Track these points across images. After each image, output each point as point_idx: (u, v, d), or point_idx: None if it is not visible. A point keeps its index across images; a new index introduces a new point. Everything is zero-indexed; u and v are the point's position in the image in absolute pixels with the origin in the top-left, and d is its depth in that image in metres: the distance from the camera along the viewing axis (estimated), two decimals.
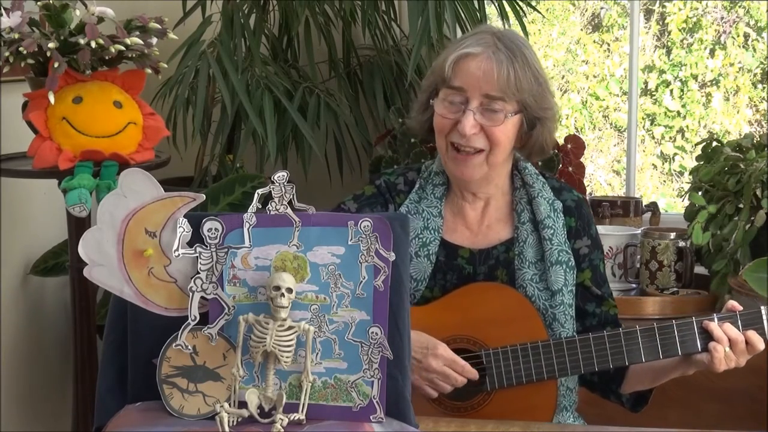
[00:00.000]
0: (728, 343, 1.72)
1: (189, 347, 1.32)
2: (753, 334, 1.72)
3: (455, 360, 1.74)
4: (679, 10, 4.00)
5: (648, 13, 4.01)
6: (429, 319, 1.78)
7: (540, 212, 1.87)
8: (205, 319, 1.33)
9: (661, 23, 4.06)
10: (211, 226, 1.33)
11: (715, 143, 2.63)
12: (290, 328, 1.30)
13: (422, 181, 1.93)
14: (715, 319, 1.74)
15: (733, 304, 1.77)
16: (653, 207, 2.98)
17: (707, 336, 1.73)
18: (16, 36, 2.06)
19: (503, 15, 2.77)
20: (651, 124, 4.13)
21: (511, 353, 1.76)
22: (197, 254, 1.33)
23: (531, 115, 1.84)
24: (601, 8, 4.19)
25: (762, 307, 1.75)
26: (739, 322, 1.73)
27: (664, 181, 4.20)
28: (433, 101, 1.86)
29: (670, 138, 4.12)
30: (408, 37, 2.91)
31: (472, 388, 1.78)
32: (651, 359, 1.76)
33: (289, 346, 1.30)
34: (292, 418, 1.28)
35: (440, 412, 1.78)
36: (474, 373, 1.75)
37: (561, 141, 2.87)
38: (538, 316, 1.82)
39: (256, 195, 1.32)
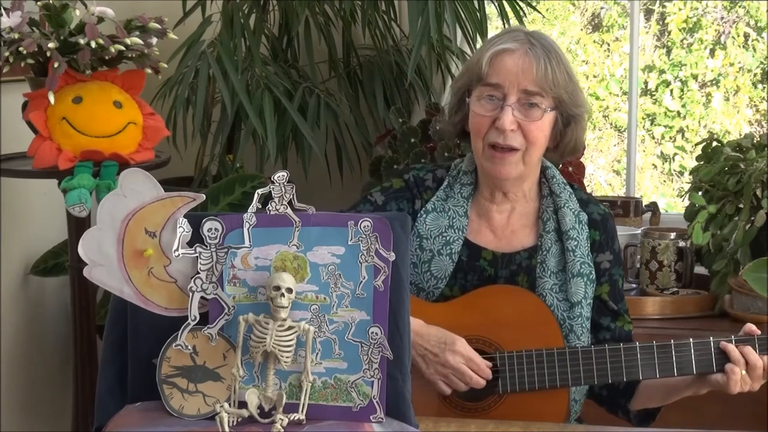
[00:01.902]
0: (745, 366, 1.70)
1: (189, 347, 1.32)
2: None
3: (472, 358, 1.74)
4: (679, 10, 4.00)
5: (648, 13, 4.01)
6: (446, 317, 1.78)
7: (565, 223, 1.86)
8: (205, 319, 1.33)
9: (661, 23, 4.06)
10: (211, 226, 1.33)
11: (715, 143, 2.63)
12: (290, 328, 1.30)
13: (450, 179, 1.92)
14: (733, 341, 1.73)
15: (751, 327, 1.75)
16: (653, 207, 2.98)
17: (723, 356, 1.72)
18: (16, 36, 2.06)
19: (503, 15, 2.77)
20: (651, 124, 4.13)
21: (525, 358, 1.76)
22: (197, 254, 1.33)
23: (566, 112, 1.84)
24: (601, 8, 4.19)
25: None
26: (757, 346, 1.72)
27: (664, 181, 4.19)
28: (468, 99, 1.85)
29: (670, 138, 4.12)
30: (408, 37, 2.91)
31: (485, 389, 1.77)
32: (665, 375, 1.75)
33: (289, 346, 1.30)
34: (292, 418, 1.28)
35: (451, 412, 1.77)
36: (488, 373, 1.75)
37: None
38: (556, 323, 1.80)
39: (256, 195, 1.32)
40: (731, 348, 1.71)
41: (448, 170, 1.94)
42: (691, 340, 1.74)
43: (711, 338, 1.74)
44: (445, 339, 1.73)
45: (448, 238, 1.85)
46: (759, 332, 1.75)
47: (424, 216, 1.87)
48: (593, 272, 1.86)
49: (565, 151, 1.90)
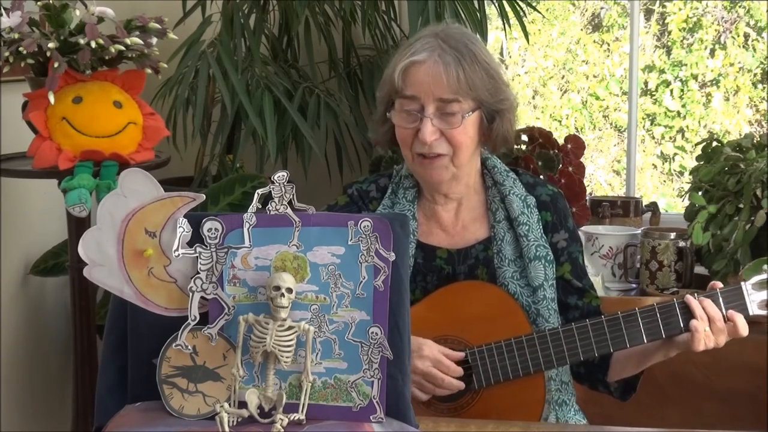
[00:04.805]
0: (708, 322, 1.71)
1: (189, 347, 1.32)
2: (739, 318, 1.71)
3: (440, 360, 1.74)
4: (679, 10, 4.00)
5: (648, 13, 4.01)
6: (412, 322, 1.77)
7: (513, 209, 1.88)
8: (205, 319, 1.33)
9: (661, 23, 4.06)
10: (211, 226, 1.33)
11: (715, 143, 2.63)
12: (290, 328, 1.30)
13: (393, 186, 1.95)
14: (696, 297, 1.73)
15: (714, 283, 1.77)
16: (653, 207, 2.98)
17: (688, 316, 1.72)
18: (16, 36, 2.06)
19: (503, 15, 2.77)
20: (651, 124, 4.13)
21: (495, 350, 1.77)
22: (197, 254, 1.33)
23: (489, 109, 1.84)
24: (601, 8, 4.19)
25: (742, 283, 1.74)
26: (720, 299, 1.73)
27: (664, 181, 4.20)
28: (389, 114, 1.86)
29: (670, 138, 4.12)
30: (408, 37, 2.91)
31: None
32: (635, 344, 1.75)
33: (289, 346, 1.30)
34: (292, 418, 1.28)
35: (430, 414, 1.77)
36: (458, 371, 1.75)
37: (561, 141, 2.86)
38: (521, 311, 1.82)
39: (256, 195, 1.32)
40: (693, 304, 1.71)
41: (390, 178, 1.97)
42: (655, 304, 1.75)
43: (674, 299, 1.74)
44: (411, 345, 1.73)
45: None
46: (721, 285, 1.75)
47: None
48: (550, 253, 1.87)
49: (495, 144, 1.90)
